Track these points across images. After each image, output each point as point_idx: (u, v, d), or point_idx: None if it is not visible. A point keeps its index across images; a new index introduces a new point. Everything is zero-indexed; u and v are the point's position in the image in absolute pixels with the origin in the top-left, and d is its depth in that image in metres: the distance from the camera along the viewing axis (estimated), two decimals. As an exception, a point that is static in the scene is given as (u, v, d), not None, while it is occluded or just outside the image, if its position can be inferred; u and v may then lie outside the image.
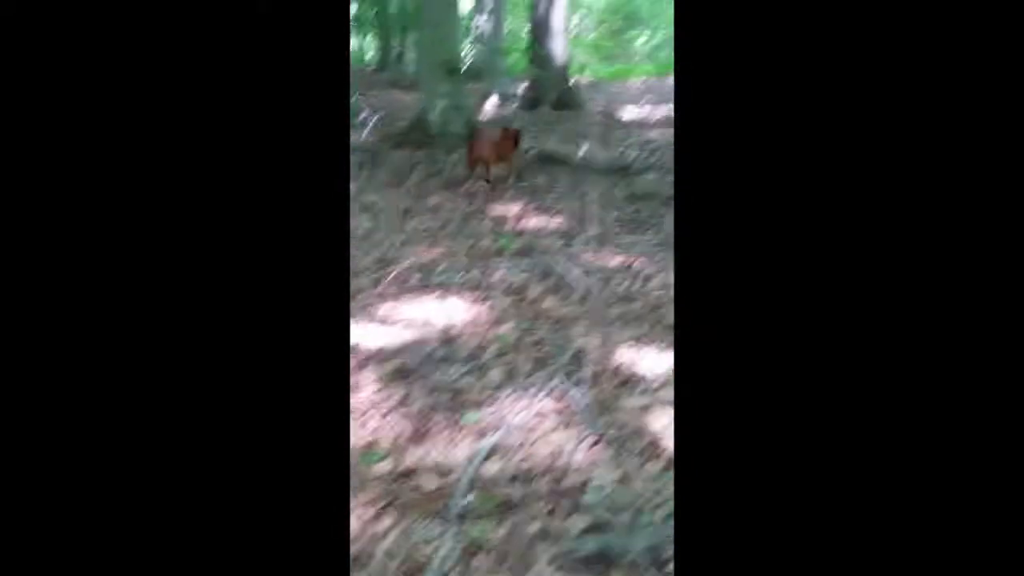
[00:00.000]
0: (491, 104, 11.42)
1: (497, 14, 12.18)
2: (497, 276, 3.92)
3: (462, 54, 19.51)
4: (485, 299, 3.61)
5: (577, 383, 2.79)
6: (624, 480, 2.29)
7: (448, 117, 7.23)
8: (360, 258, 4.15)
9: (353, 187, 5.76)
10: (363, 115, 8.27)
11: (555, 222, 5.07)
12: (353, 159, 6.47)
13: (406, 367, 2.87)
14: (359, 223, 4.89)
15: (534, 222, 5.08)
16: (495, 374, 2.86)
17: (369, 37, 21.43)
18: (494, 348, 3.07)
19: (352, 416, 2.57)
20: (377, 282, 3.82)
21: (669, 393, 2.72)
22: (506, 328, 3.27)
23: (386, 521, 2.10)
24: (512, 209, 5.41)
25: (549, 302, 3.60)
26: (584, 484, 2.26)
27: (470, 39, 15.80)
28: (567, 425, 2.54)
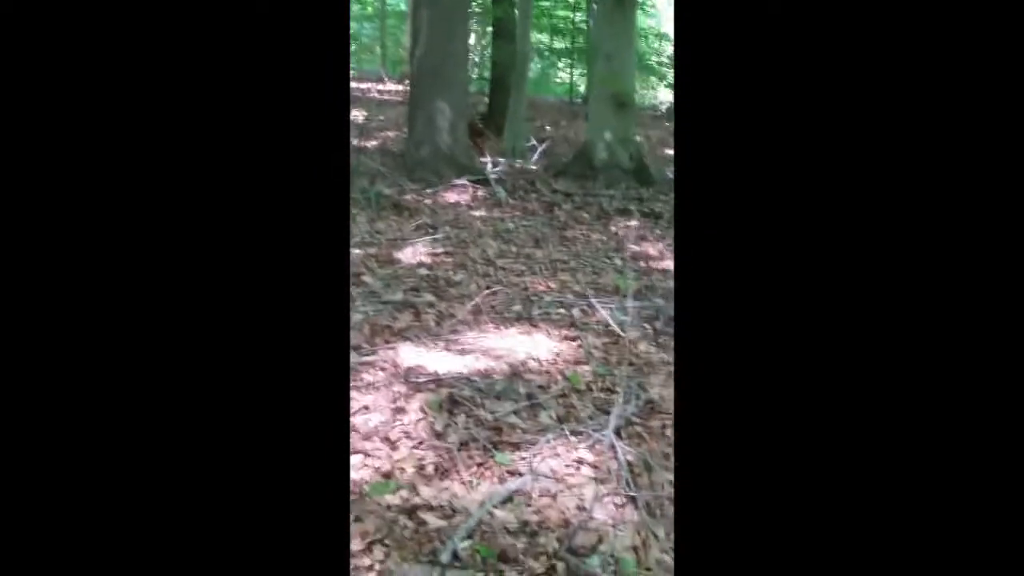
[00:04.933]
0: (678, 143, 11.18)
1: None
2: (600, 314, 3.73)
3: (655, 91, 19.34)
4: (576, 337, 3.44)
5: (629, 436, 2.58)
6: (639, 549, 2.07)
7: (613, 150, 7.09)
8: (467, 283, 4.08)
9: (496, 213, 5.73)
10: (531, 143, 8.27)
11: (690, 265, 4.82)
12: (505, 186, 6.45)
13: (456, 397, 2.75)
14: (485, 247, 4.82)
15: (669, 263, 4.85)
16: (547, 415, 2.69)
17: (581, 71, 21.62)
18: (557, 388, 2.90)
19: (383, 442, 2.48)
20: (476, 308, 3.73)
21: (728, 459, 2.47)
22: (583, 369, 3.10)
23: (372, 556, 1.99)
24: (654, 248, 5.21)
25: (643, 347, 3.39)
26: (595, 546, 2.07)
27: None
28: (602, 480, 2.34)
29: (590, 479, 2.34)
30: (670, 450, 2.52)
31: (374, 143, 8.27)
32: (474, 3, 12.48)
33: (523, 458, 2.43)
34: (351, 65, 19.07)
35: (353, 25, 19.50)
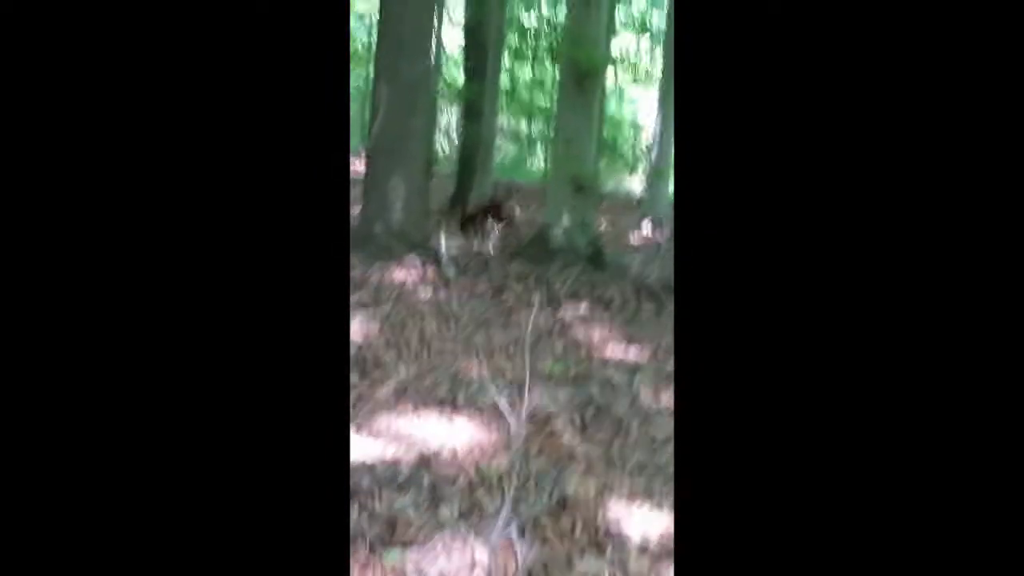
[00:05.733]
0: (644, 227, 11.15)
1: (661, 141, 12.00)
2: (529, 402, 3.56)
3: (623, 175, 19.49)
4: (498, 425, 3.26)
5: (535, 534, 2.39)
6: (523, 665, 1.87)
7: (570, 234, 7.00)
8: (395, 364, 3.91)
9: (444, 294, 5.59)
10: (487, 224, 8.18)
11: (634, 354, 4.67)
12: (457, 266, 6.33)
13: (352, 487, 2.55)
14: (426, 327, 4.66)
15: (612, 351, 4.70)
16: (448, 509, 2.50)
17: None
18: (466, 480, 2.71)
19: (265, 533, 2.27)
20: (398, 391, 3.55)
21: (636, 564, 2.28)
22: (498, 460, 2.91)
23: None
24: (598, 335, 5.06)
25: (568, 438, 3.21)
26: (475, 661, 1.87)
27: (645, 165, 15.66)
28: (494, 584, 2.14)
29: (482, 583, 2.15)
30: (576, 551, 2.33)
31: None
32: (442, 83, 12.56)
33: (414, 558, 2.23)
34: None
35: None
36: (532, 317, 4.94)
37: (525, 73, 17.91)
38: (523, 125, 19.50)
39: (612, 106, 18.47)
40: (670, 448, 3.18)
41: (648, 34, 17.38)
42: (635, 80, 17.10)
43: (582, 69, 7.03)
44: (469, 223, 7.81)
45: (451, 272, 6.09)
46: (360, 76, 15.36)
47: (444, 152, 15.57)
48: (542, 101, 17.84)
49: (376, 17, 6.81)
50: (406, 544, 2.29)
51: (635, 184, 20.25)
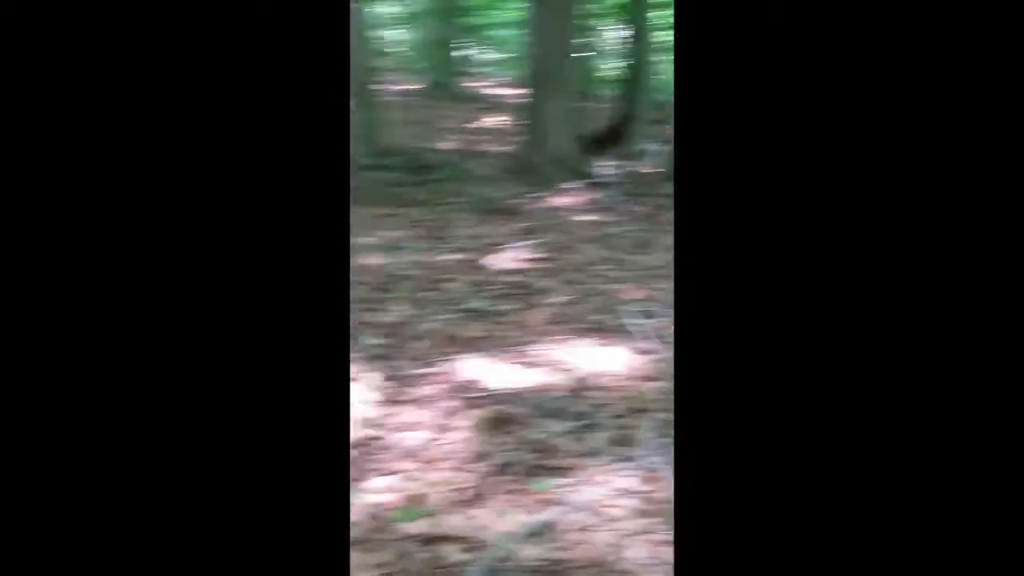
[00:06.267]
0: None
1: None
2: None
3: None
4: (655, 351, 3.19)
5: (687, 463, 2.33)
6: (672, 595, 1.84)
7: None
8: (553, 291, 3.89)
9: (602, 217, 5.52)
10: (654, 145, 7.99)
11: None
12: (617, 190, 6.23)
13: (505, 415, 2.56)
14: (582, 253, 4.62)
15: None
16: (601, 437, 2.47)
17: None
18: (620, 407, 2.67)
19: (420, 463, 2.33)
20: (555, 317, 3.54)
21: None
22: (653, 386, 2.85)
23: (376, 592, 1.84)
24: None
25: (729, 362, 3.11)
26: (623, 590, 1.85)
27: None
28: (646, 513, 2.11)
29: (632, 512, 2.12)
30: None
31: (507, 148, 8.16)
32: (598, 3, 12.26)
33: (563, 486, 2.22)
34: (499, 72, 19.14)
35: (502, 32, 19.56)
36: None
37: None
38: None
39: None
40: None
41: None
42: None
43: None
44: (598, 148, 7.67)
45: (613, 197, 6.00)
46: (522, 7, 15.22)
47: (604, 75, 15.29)
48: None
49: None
50: (558, 472, 2.28)
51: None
